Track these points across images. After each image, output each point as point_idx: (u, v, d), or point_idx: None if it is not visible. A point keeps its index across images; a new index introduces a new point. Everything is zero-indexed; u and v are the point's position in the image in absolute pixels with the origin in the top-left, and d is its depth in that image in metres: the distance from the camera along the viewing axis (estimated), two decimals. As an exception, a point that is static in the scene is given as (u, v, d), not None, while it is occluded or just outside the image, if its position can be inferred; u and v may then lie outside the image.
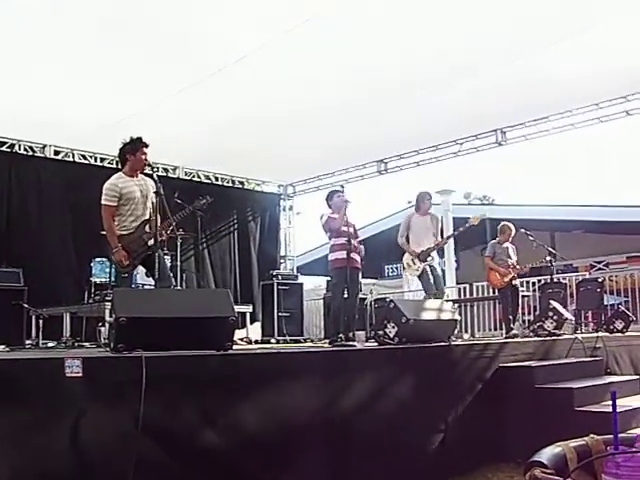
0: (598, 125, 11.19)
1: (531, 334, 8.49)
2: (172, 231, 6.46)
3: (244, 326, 11.17)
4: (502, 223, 9.98)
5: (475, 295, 13.23)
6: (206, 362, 4.11)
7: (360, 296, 8.78)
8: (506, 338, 8.67)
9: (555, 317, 8.26)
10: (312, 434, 4.44)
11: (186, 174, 13.60)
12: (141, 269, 7.00)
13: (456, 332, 7.14)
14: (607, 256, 17.75)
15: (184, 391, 3.86)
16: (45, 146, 11.61)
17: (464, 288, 13.90)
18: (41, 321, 8.94)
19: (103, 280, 9.46)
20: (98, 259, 9.52)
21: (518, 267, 9.64)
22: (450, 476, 5.21)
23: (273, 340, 11.50)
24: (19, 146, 11.34)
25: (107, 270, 9.24)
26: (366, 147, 12.57)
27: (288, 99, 9.69)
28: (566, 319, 8.54)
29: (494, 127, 11.89)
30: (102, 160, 12.18)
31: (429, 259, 8.66)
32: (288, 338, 11.57)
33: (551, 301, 8.90)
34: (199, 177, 13.84)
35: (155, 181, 6.14)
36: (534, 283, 12.23)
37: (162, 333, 4.11)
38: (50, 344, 8.84)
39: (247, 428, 4.12)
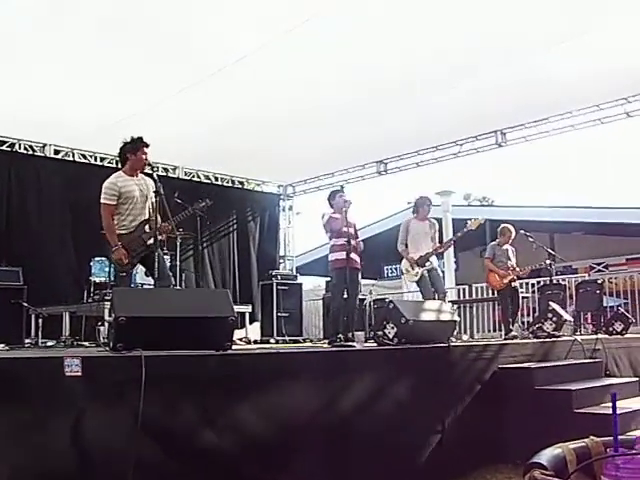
0: (598, 126, 11.19)
1: (530, 335, 8.48)
2: (172, 231, 6.46)
3: (243, 326, 11.18)
4: (502, 225, 9.97)
5: (474, 296, 13.22)
6: (205, 362, 4.10)
7: (359, 297, 8.78)
8: (505, 339, 8.67)
9: (554, 319, 8.26)
10: (311, 434, 4.44)
11: (186, 174, 13.60)
12: (141, 268, 7.01)
13: (455, 333, 7.14)
14: (606, 258, 17.76)
15: (183, 391, 3.86)
16: (45, 145, 11.62)
17: (463, 289, 13.90)
18: (40, 320, 8.94)
19: (102, 279, 9.47)
20: (97, 258, 9.52)
21: (517, 269, 9.63)
22: (449, 477, 5.21)
23: (272, 340, 11.50)
24: (19, 145, 11.35)
25: (106, 269, 9.25)
26: (366, 148, 12.57)
27: (288, 99, 9.68)
28: (565, 321, 8.54)
29: (494, 128, 11.89)
30: (102, 160, 12.18)
31: (427, 264, 8.64)
32: (287, 338, 11.57)
33: (550, 303, 8.90)
34: (199, 177, 13.85)
35: (155, 181, 6.15)
36: (533, 284, 12.23)
37: (161, 333, 4.10)
38: (49, 343, 8.84)
39: (246, 428, 4.12)
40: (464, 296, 13.60)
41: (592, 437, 2.81)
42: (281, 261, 15.39)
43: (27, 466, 3.24)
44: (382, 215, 19.30)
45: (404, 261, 8.78)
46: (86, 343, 8.40)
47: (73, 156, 11.99)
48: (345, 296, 7.47)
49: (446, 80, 9.30)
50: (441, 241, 9.16)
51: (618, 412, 2.66)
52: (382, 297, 12.19)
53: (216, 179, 14.15)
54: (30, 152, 11.52)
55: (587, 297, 10.41)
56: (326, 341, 8.34)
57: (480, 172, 58.58)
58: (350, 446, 4.65)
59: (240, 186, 14.81)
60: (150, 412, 3.54)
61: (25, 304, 8.52)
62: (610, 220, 16.33)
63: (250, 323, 11.68)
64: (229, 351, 4.33)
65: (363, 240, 8.05)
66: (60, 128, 10.69)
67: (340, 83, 9.18)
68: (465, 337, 10.40)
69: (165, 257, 8.35)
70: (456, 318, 7.11)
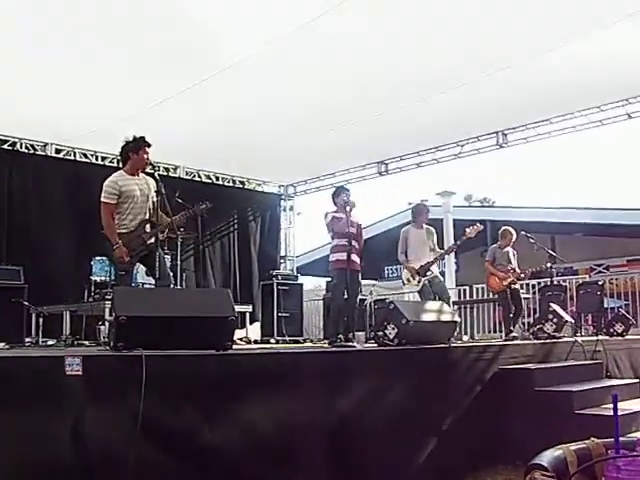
0: (599, 128, 11.19)
1: (531, 337, 8.48)
2: (172, 225, 6.46)
3: (244, 326, 11.17)
4: (503, 228, 9.96)
5: (475, 297, 13.21)
6: (206, 362, 4.10)
7: (360, 297, 8.77)
8: (505, 340, 8.67)
9: (555, 320, 8.26)
10: (312, 434, 4.44)
11: (187, 174, 13.61)
12: (142, 268, 7.00)
13: (456, 334, 7.13)
14: (607, 259, 17.76)
15: (184, 390, 3.86)
16: (46, 144, 11.62)
17: (464, 290, 13.90)
18: (41, 319, 8.93)
19: (103, 279, 9.48)
20: (98, 258, 9.53)
21: (518, 271, 9.62)
22: (449, 478, 5.21)
23: (272, 340, 11.50)
24: (20, 144, 11.35)
25: (107, 269, 9.25)
26: (367, 148, 12.57)
27: (289, 100, 9.69)
28: (566, 322, 8.54)
29: (495, 129, 11.88)
30: (103, 159, 12.19)
31: (429, 274, 8.60)
32: (287, 338, 11.57)
33: (551, 304, 8.90)
34: (200, 177, 13.85)
35: (156, 180, 6.16)
36: (534, 286, 12.22)
37: (162, 332, 4.11)
38: (50, 342, 8.84)
39: (246, 428, 4.12)
40: (465, 297, 13.59)
41: (593, 438, 2.81)
42: (282, 261, 15.38)
43: (27, 465, 3.24)
44: (383, 215, 19.31)
45: (405, 271, 8.73)
46: (86, 342, 8.41)
47: (74, 155, 11.99)
48: (345, 296, 7.47)
49: (447, 81, 9.30)
50: (441, 247, 9.10)
51: (619, 414, 2.65)
52: (383, 298, 12.19)
53: (217, 179, 14.15)
54: (31, 151, 11.54)
55: (588, 298, 10.40)
56: (326, 341, 8.33)
57: (481, 173, 58.59)
58: (350, 446, 4.66)
59: (241, 186, 14.82)
60: (150, 412, 3.54)
61: (26, 303, 8.51)
62: (611, 221, 16.32)
63: (250, 323, 11.68)
64: (230, 351, 4.34)
65: (364, 241, 8.02)
66: (61, 127, 10.70)
67: (341, 84, 9.17)
68: (465, 338, 10.40)
69: (166, 257, 8.36)
70: (457, 319, 7.11)
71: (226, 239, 14.06)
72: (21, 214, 10.95)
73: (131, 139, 6.38)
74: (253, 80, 8.96)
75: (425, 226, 8.83)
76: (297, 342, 11.43)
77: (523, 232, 10.00)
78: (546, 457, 2.65)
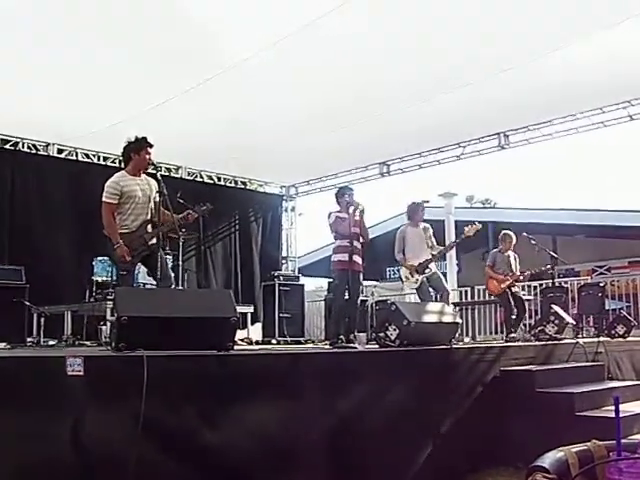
0: (601, 129, 11.17)
1: (532, 338, 8.48)
2: (174, 231, 6.46)
3: (245, 326, 11.16)
4: (503, 232, 9.97)
5: (476, 298, 13.20)
6: (207, 362, 4.11)
7: (361, 298, 8.77)
8: (506, 342, 8.67)
9: (556, 321, 8.25)
10: (312, 435, 4.44)
11: (189, 174, 13.61)
12: (143, 268, 7.00)
13: (457, 335, 7.13)
14: (609, 261, 17.74)
15: (185, 391, 3.86)
16: (48, 144, 11.63)
17: (465, 291, 13.89)
18: (42, 319, 8.93)
19: (104, 279, 9.46)
20: (100, 258, 9.51)
21: (517, 274, 9.62)
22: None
23: (274, 341, 11.49)
24: (22, 144, 11.36)
25: (108, 269, 9.23)
26: (369, 149, 12.57)
27: (291, 101, 9.69)
28: (567, 323, 8.53)
29: (497, 130, 11.87)
30: (105, 159, 12.20)
31: (427, 271, 8.61)
32: (289, 339, 11.56)
33: (552, 305, 8.90)
34: (202, 177, 13.86)
35: (158, 181, 6.16)
36: (536, 287, 12.22)
37: (164, 333, 4.11)
38: (51, 342, 8.83)
39: (248, 429, 4.12)
40: (466, 298, 13.58)
41: (594, 440, 2.80)
42: (283, 262, 15.38)
43: (28, 466, 3.24)
44: (385, 216, 19.28)
45: (403, 269, 8.74)
46: (88, 343, 8.41)
47: (76, 155, 12.00)
48: (346, 297, 7.47)
49: (449, 82, 9.29)
50: (439, 243, 9.09)
51: (620, 415, 2.65)
52: (384, 299, 12.19)
53: (219, 179, 14.14)
54: (33, 151, 11.54)
55: (589, 300, 10.39)
56: (327, 342, 8.33)
57: (483, 174, 58.56)
58: (351, 447, 4.65)
59: (243, 187, 14.82)
60: (151, 412, 3.54)
61: (27, 303, 8.52)
62: (612, 223, 16.31)
63: (252, 324, 11.67)
64: (231, 351, 4.34)
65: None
66: (63, 128, 10.71)
67: (343, 85, 9.17)
68: (467, 339, 10.40)
69: (167, 257, 8.37)
70: (458, 320, 7.11)
71: (228, 240, 14.06)
72: (23, 214, 10.96)
73: (133, 140, 6.38)
74: (255, 81, 8.95)
75: (421, 224, 8.85)
76: (298, 343, 11.43)
77: (524, 234, 10.00)
78: (547, 459, 2.65)
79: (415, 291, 8.97)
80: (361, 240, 7.58)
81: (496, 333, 12.59)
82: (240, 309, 7.94)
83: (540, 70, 8.84)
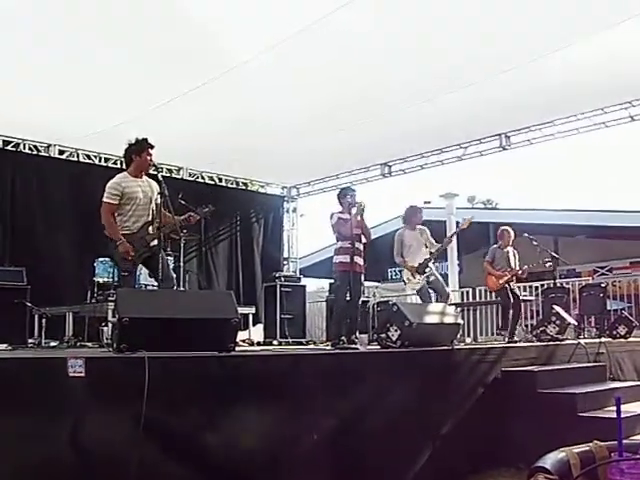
0: (603, 130, 11.16)
1: (534, 339, 8.48)
2: (175, 232, 6.47)
3: (246, 327, 11.16)
4: (501, 228, 9.98)
5: (478, 299, 13.19)
6: (209, 363, 4.11)
7: (363, 299, 8.76)
8: (508, 342, 8.68)
9: (558, 322, 8.25)
10: (314, 435, 4.43)
11: (190, 175, 13.61)
12: (144, 269, 7.00)
13: (459, 336, 7.13)
14: (610, 261, 17.71)
15: (186, 392, 3.86)
16: (50, 146, 11.63)
17: (467, 292, 13.88)
18: (44, 320, 8.93)
19: (106, 280, 9.46)
20: (101, 259, 9.52)
21: (516, 269, 9.64)
22: (451, 480, 5.21)
23: (275, 342, 11.49)
24: (24, 145, 11.36)
25: (110, 270, 9.24)
26: (370, 150, 12.56)
27: (292, 102, 9.69)
28: (569, 324, 8.53)
29: (498, 131, 11.87)
30: (106, 160, 12.21)
31: (427, 270, 8.62)
32: (290, 340, 11.55)
33: (554, 306, 8.90)
34: (203, 178, 13.86)
35: (159, 182, 6.17)
36: (537, 288, 12.21)
37: (165, 334, 4.11)
38: (52, 343, 8.84)
39: (249, 430, 4.12)
40: (467, 299, 13.57)
41: (596, 441, 2.80)
42: (285, 263, 15.38)
43: (29, 466, 3.24)
44: (386, 217, 19.26)
45: (405, 271, 8.76)
46: (89, 344, 8.41)
47: (77, 156, 12.01)
48: (348, 298, 7.47)
49: (450, 83, 9.29)
50: (438, 242, 9.08)
51: (622, 416, 2.65)
52: (386, 299, 12.18)
53: (220, 180, 14.14)
54: (34, 152, 11.54)
55: (591, 300, 10.39)
56: (329, 343, 8.33)
57: (484, 175, 58.54)
58: (352, 448, 4.65)
59: (244, 188, 14.84)
60: (153, 413, 3.54)
61: (28, 304, 8.52)
62: (614, 223, 16.29)
63: (253, 325, 11.67)
64: (232, 353, 4.34)
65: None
66: (64, 129, 10.72)
67: (344, 86, 9.17)
68: (468, 340, 10.39)
69: (169, 258, 8.37)
70: (460, 321, 7.11)
71: (229, 241, 14.06)
72: (24, 215, 10.97)
73: (134, 141, 6.39)
74: (257, 82, 8.95)
75: (418, 227, 8.86)
76: (300, 344, 11.42)
77: (526, 234, 10.00)
78: (549, 460, 2.65)
79: (416, 292, 8.97)
80: (363, 240, 7.58)
81: (498, 334, 12.58)
82: (241, 310, 7.95)
83: (541, 70, 8.83)
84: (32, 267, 9.22)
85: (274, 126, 10.61)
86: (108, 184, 6.29)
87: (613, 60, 8.58)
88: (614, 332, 9.19)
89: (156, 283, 6.35)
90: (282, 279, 12.38)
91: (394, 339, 5.92)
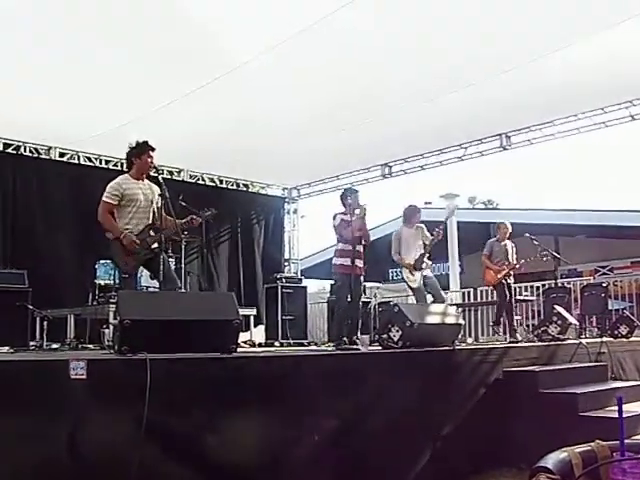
0: (603, 129, 11.16)
1: (535, 339, 8.48)
2: (176, 234, 6.47)
3: (248, 329, 11.17)
4: (498, 222, 10.03)
5: (479, 299, 13.20)
6: (210, 365, 4.11)
7: (364, 300, 8.76)
8: (510, 339, 8.72)
9: (559, 322, 8.25)
10: (315, 436, 4.43)
11: (191, 177, 13.60)
12: (146, 271, 7.01)
13: (460, 336, 7.14)
14: (611, 261, 17.72)
15: (188, 394, 3.87)
16: (50, 148, 11.63)
17: (468, 292, 13.88)
18: (45, 323, 8.93)
19: (107, 282, 9.47)
20: (102, 261, 9.53)
21: (513, 263, 9.67)
22: (453, 481, 5.21)
23: (277, 343, 11.49)
24: (24, 148, 11.36)
25: (111, 272, 9.25)
26: (371, 151, 12.56)
27: (293, 103, 9.69)
28: (570, 324, 8.53)
29: (499, 131, 11.87)
30: (107, 162, 12.21)
31: (424, 266, 8.66)
32: (292, 341, 11.55)
33: (555, 306, 8.91)
34: (203, 180, 13.85)
35: (160, 184, 6.18)
36: (538, 288, 12.20)
37: (167, 335, 4.11)
38: (54, 346, 8.82)
39: (251, 431, 4.12)
40: (469, 299, 13.58)
41: (598, 441, 2.80)
42: (286, 264, 15.38)
43: (31, 467, 3.24)
44: (387, 218, 19.27)
45: (403, 270, 8.80)
46: (91, 346, 8.40)
47: (78, 159, 12.00)
48: (349, 299, 7.47)
49: (450, 83, 9.29)
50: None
51: (624, 416, 2.65)
52: (387, 300, 12.17)
53: (221, 182, 14.14)
54: (35, 155, 11.55)
55: (592, 300, 10.39)
56: (331, 344, 8.33)
57: (485, 175, 58.49)
58: (354, 448, 4.66)
59: (245, 189, 14.84)
60: (155, 415, 3.55)
61: (30, 307, 8.51)
62: (615, 223, 16.30)
63: (255, 326, 11.67)
64: (234, 354, 4.34)
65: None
66: (65, 131, 10.72)
67: (344, 86, 9.17)
68: (470, 340, 10.39)
69: (170, 260, 8.37)
70: (461, 321, 7.11)
71: (230, 242, 14.05)
72: (25, 218, 10.97)
73: (134, 144, 6.41)
74: (257, 82, 8.95)
75: (416, 224, 8.90)
76: (301, 345, 11.41)
77: (527, 234, 10.00)
78: (551, 460, 2.64)
79: (412, 291, 9.00)
80: (363, 242, 7.58)
81: (499, 334, 12.58)
82: (243, 311, 7.95)
83: (541, 70, 8.83)
84: (33, 269, 9.21)
85: (274, 127, 10.61)
86: (109, 184, 6.32)
87: (613, 60, 8.58)
88: (615, 332, 9.19)
89: (157, 285, 6.36)
90: (283, 280, 12.38)
91: (395, 340, 5.93)
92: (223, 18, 7.48)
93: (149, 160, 6.33)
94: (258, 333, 11.92)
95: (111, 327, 7.31)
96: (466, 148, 12.53)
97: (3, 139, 11.05)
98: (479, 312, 12.31)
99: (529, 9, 7.44)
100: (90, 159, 12.10)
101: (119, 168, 11.30)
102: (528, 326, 10.96)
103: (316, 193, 15.52)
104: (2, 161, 11.04)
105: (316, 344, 11.71)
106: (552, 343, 7.75)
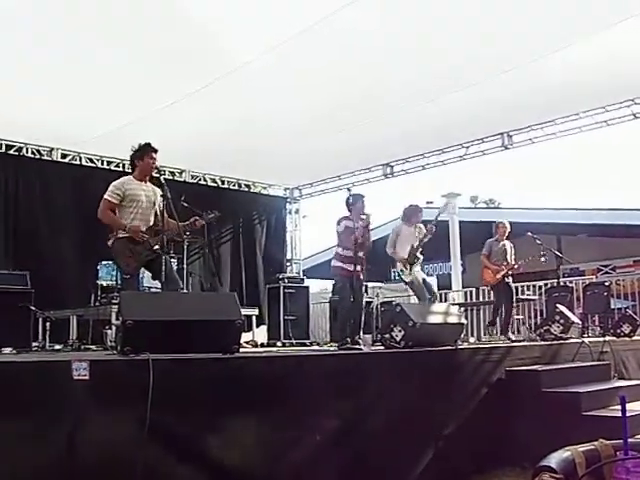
0: (605, 128, 11.14)
1: (538, 338, 8.47)
2: (178, 235, 6.47)
3: (250, 329, 11.17)
4: (497, 221, 10.04)
5: (481, 299, 13.18)
6: (213, 365, 4.11)
7: (366, 299, 8.75)
8: (488, 325, 8.77)
9: (562, 321, 8.25)
10: (317, 436, 4.43)
11: (192, 177, 13.61)
12: (147, 272, 7.01)
13: (462, 336, 7.13)
14: (614, 260, 17.70)
15: (191, 394, 3.87)
16: (52, 149, 11.64)
17: (470, 292, 13.87)
18: (48, 324, 8.95)
19: (109, 283, 9.47)
20: (104, 262, 9.53)
21: (512, 263, 9.69)
22: (456, 480, 5.21)
23: (279, 343, 11.48)
24: (26, 149, 11.37)
25: (113, 273, 9.26)
26: (372, 150, 12.56)
27: (294, 103, 9.69)
28: (573, 323, 8.52)
29: (500, 130, 11.86)
30: (109, 163, 12.21)
31: (417, 260, 8.69)
32: (294, 341, 11.54)
33: (558, 305, 8.90)
34: (205, 180, 13.85)
35: (162, 184, 6.18)
36: (541, 287, 12.19)
37: (169, 336, 4.11)
38: (57, 347, 8.84)
39: (253, 431, 4.12)
40: (471, 299, 13.56)
41: (601, 440, 2.79)
42: (288, 264, 15.38)
43: (33, 467, 3.24)
44: (388, 218, 19.26)
45: (397, 263, 8.81)
46: (93, 347, 8.41)
47: (80, 160, 12.01)
48: (351, 299, 7.46)
49: (452, 82, 9.28)
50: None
51: (627, 415, 2.64)
52: (389, 300, 12.17)
53: (222, 182, 14.14)
54: (37, 156, 11.56)
55: (594, 299, 10.38)
56: (333, 344, 8.33)
57: (487, 174, 58.45)
58: (356, 447, 4.66)
59: (246, 189, 14.84)
60: (157, 415, 3.55)
61: (32, 308, 8.51)
62: (617, 222, 16.29)
63: (257, 326, 11.67)
64: (236, 354, 4.34)
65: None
66: (67, 132, 10.73)
67: (346, 86, 9.17)
68: (472, 340, 10.39)
69: (172, 260, 8.37)
70: (463, 321, 7.11)
71: (232, 242, 14.04)
72: (27, 219, 10.98)
73: (137, 147, 6.43)
74: (259, 83, 8.95)
75: (415, 224, 8.92)
76: (304, 345, 11.40)
77: (529, 233, 10.00)
78: (554, 459, 2.64)
79: (408, 285, 9.01)
80: (363, 251, 7.52)
81: (501, 333, 12.57)
82: (245, 311, 7.96)
83: (542, 70, 8.83)
84: (35, 270, 9.20)
85: (276, 127, 10.61)
86: (112, 183, 6.35)
87: (614, 60, 8.58)
88: (618, 331, 9.18)
89: (159, 285, 6.36)
90: (285, 280, 12.37)
91: (398, 339, 5.93)
92: (224, 18, 7.48)
93: (151, 161, 6.35)
94: (260, 333, 11.92)
95: (113, 328, 7.33)
96: (467, 147, 12.52)
97: (5, 141, 11.06)
98: (481, 311, 12.31)
99: (529, 9, 7.44)
100: (92, 160, 12.11)
101: (121, 169, 11.33)
102: (530, 325, 10.95)
103: (318, 193, 15.52)
104: (4, 162, 11.06)
105: (318, 344, 11.71)
106: (555, 342, 7.74)
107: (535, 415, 5.74)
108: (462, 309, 10.89)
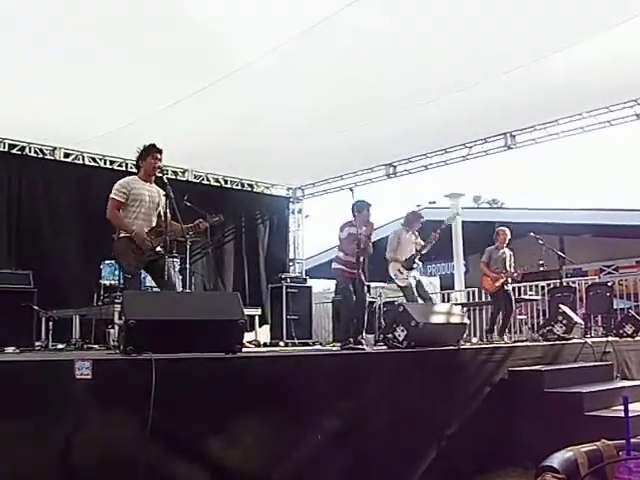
0: (608, 128, 11.13)
1: (540, 338, 8.47)
2: (181, 232, 6.48)
3: (253, 329, 11.17)
4: (498, 228, 10.04)
5: (484, 299, 13.16)
6: (215, 365, 4.11)
7: (369, 299, 8.75)
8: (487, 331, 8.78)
9: (564, 321, 8.23)
10: (320, 435, 4.43)
11: (195, 177, 13.61)
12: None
13: (465, 336, 7.13)
14: (616, 260, 17.68)
15: (193, 393, 3.87)
16: (55, 149, 11.66)
17: (473, 292, 13.86)
18: (51, 323, 8.96)
19: (112, 282, 9.48)
20: (107, 261, 9.54)
21: (511, 271, 9.70)
22: (459, 480, 5.21)
23: (282, 343, 11.50)
24: (29, 149, 11.39)
25: (116, 272, 9.26)
26: (375, 150, 12.55)
27: (297, 103, 9.69)
28: (575, 323, 8.51)
29: (503, 130, 11.84)
30: (112, 162, 12.23)
31: (415, 266, 8.70)
32: (297, 341, 11.55)
33: (560, 305, 8.89)
34: (208, 180, 13.86)
35: (164, 184, 6.19)
36: (543, 287, 12.19)
37: (172, 336, 4.11)
38: (59, 346, 8.85)
39: (256, 430, 4.12)
40: (473, 299, 13.55)
41: (604, 440, 2.79)
42: (290, 264, 15.38)
43: (35, 467, 3.25)
44: (391, 218, 19.26)
45: (391, 267, 8.79)
46: (96, 346, 8.42)
47: (83, 159, 12.03)
48: (354, 299, 7.46)
49: (454, 82, 9.28)
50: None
51: (630, 415, 2.64)
52: (392, 300, 12.17)
53: (225, 182, 14.15)
54: (40, 156, 11.58)
55: (597, 299, 10.38)
56: (336, 344, 8.32)
57: (490, 174, 58.43)
58: (359, 447, 4.66)
59: (249, 189, 14.85)
60: (160, 415, 3.55)
61: (35, 307, 8.53)
62: (620, 222, 16.25)
63: (260, 326, 11.67)
64: (239, 354, 4.34)
65: (372, 243, 7.99)
66: (68, 132, 10.74)
67: (348, 87, 9.17)
68: (475, 340, 10.39)
69: (175, 260, 8.39)
70: (466, 321, 7.10)
71: (235, 242, 14.05)
72: (30, 218, 11.00)
73: (142, 148, 6.45)
74: (261, 83, 8.96)
75: (414, 231, 8.97)
76: (306, 345, 11.42)
77: (532, 233, 10.00)
78: (557, 459, 2.64)
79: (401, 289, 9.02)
80: (363, 258, 7.50)
81: (498, 336, 12.57)
82: (248, 311, 7.96)
83: (544, 70, 8.82)
84: (38, 270, 9.22)
85: (278, 127, 10.62)
86: (117, 182, 6.36)
87: (615, 60, 8.57)
88: (621, 331, 9.17)
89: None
90: (288, 280, 12.39)
91: (400, 339, 5.93)
92: (226, 18, 7.49)
93: (153, 161, 6.36)
94: (263, 333, 11.93)
95: (116, 327, 7.33)
96: (470, 147, 12.50)
97: (8, 140, 11.08)
98: (484, 311, 12.30)
99: (530, 9, 7.43)
100: (95, 159, 12.13)
101: (124, 169, 11.36)
102: (533, 325, 10.94)
103: (320, 193, 15.52)
104: (7, 162, 11.08)
105: (321, 344, 11.72)
106: (557, 342, 7.73)
107: (537, 415, 5.73)
108: (465, 309, 10.88)
